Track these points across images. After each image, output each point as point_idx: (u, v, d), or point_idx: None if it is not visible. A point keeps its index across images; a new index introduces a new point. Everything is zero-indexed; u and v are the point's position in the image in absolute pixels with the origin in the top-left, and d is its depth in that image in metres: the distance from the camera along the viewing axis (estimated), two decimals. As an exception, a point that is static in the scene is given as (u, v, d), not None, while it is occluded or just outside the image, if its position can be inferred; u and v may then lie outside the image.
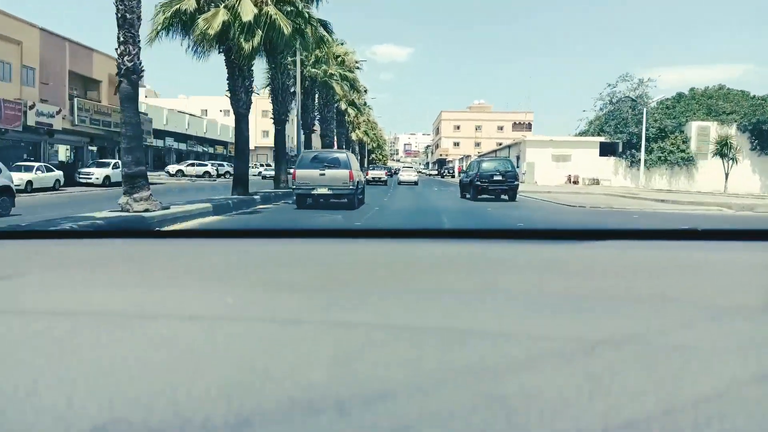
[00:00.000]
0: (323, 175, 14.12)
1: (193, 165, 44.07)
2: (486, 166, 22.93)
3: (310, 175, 14.32)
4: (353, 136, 59.54)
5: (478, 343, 0.63)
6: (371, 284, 0.93)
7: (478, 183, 21.79)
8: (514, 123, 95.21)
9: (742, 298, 0.83)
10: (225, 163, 48.11)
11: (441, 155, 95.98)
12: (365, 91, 57.96)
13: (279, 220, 12.56)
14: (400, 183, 38.43)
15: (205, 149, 56.83)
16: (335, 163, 14.49)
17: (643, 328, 0.68)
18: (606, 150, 46.34)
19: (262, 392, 0.54)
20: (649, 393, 0.53)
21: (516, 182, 22.35)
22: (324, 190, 14.16)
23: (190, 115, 55.00)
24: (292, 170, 14.98)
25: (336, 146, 39.71)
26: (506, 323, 0.71)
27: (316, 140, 38.63)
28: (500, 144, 76.56)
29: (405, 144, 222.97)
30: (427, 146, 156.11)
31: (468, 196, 22.39)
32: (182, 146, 55.31)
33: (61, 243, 1.42)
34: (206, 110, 72.24)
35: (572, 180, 45.25)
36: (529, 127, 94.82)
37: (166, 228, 6.49)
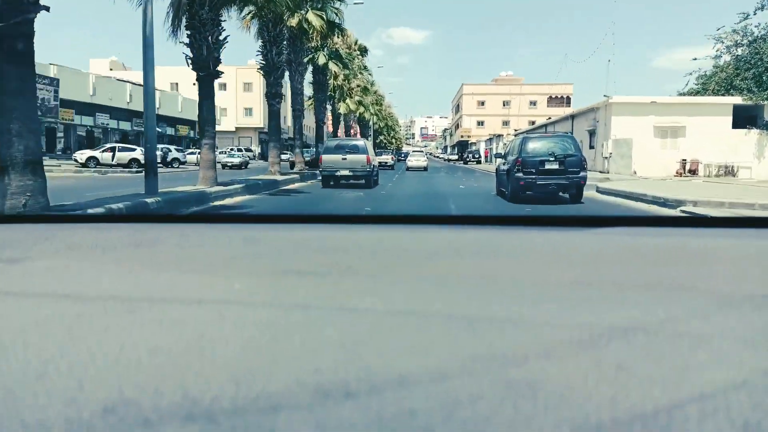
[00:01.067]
0: (345, 159, 17.55)
1: (113, 150, 33.62)
2: (533, 146, 14.24)
3: (334, 159, 17.82)
4: (341, 107, 43.19)
5: (485, 330, 0.64)
6: (379, 270, 0.94)
7: (520, 174, 13.62)
8: (550, 97, 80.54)
9: (754, 287, 0.83)
10: (174, 148, 39.12)
11: (462, 136, 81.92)
12: (361, 50, 42.90)
13: (313, 196, 15.65)
14: (408, 169, 35.43)
15: (163, 130, 45.31)
16: (355, 150, 17.99)
17: (654, 317, 0.68)
18: (743, 117, 28.93)
19: (269, 376, 0.54)
20: (660, 382, 0.53)
21: (581, 173, 13.83)
22: (346, 172, 17.63)
23: (133, 84, 40.47)
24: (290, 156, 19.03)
25: (316, 120, 34.14)
26: (514, 310, 0.71)
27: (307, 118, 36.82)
28: (533, 123, 61.37)
29: (421, 128, 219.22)
30: (445, 129, 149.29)
31: (506, 193, 14.63)
32: (125, 125, 41.37)
33: (71, 227, 1.47)
34: (177, 83, 59.56)
35: (688, 168, 28.41)
36: (567, 101, 79.71)
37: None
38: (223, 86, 63.16)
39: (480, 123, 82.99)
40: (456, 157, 79.83)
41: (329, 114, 43.03)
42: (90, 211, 9.02)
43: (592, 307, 0.72)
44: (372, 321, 0.67)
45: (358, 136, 59.44)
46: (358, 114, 56.54)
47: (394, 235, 1.26)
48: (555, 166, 13.56)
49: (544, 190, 13.61)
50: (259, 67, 24.11)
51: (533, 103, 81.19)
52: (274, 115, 23.83)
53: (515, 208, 13.09)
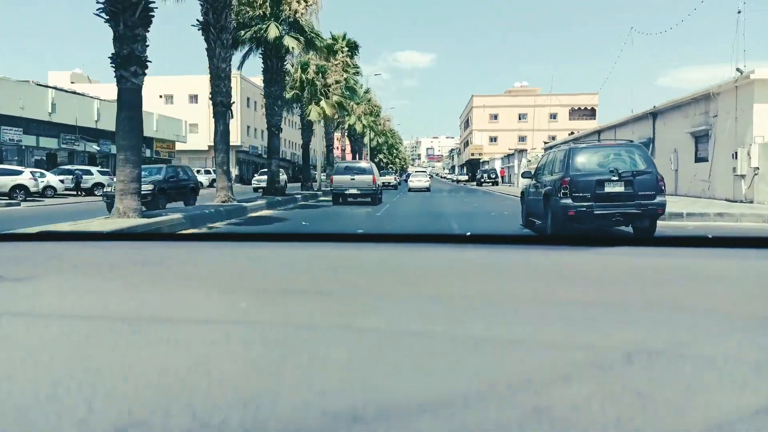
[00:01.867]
0: (353, 179, 20.24)
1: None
2: (586, 160, 9.86)
3: (343, 179, 20.46)
4: (311, 112, 31.87)
5: (490, 352, 0.64)
6: (383, 289, 0.96)
7: (567, 201, 9.39)
8: (572, 109, 70.80)
9: (756, 307, 0.83)
10: (96, 170, 30.95)
11: (473, 154, 72.73)
12: (350, 46, 32.89)
13: (324, 211, 16.89)
14: (410, 190, 34.21)
15: (107, 148, 37.48)
16: (362, 171, 20.75)
17: (658, 338, 0.68)
18: None
19: (277, 398, 0.54)
20: (666, 405, 0.52)
21: (658, 197, 9.51)
22: (354, 191, 20.26)
23: (56, 89, 30.98)
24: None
25: (268, 127, 25.63)
26: (518, 331, 0.72)
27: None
28: (552, 137, 51.33)
29: (427, 148, 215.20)
30: (451, 150, 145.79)
31: (541, 226, 10.73)
32: (52, 143, 34.09)
33: (77, 245, 1.48)
34: (171, 96, 54.51)
35: None
36: (592, 113, 69.72)
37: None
38: (194, 98, 53.70)
39: (493, 139, 74.25)
40: (466, 177, 70.40)
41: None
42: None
43: (596, 327, 0.73)
44: (377, 342, 0.68)
45: (346, 152, 50.13)
46: (341, 123, 45.39)
47: (397, 253, 1.29)
48: (619, 188, 9.28)
49: (605, 221, 9.28)
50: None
51: (553, 116, 72.20)
52: (219, 119, 18.37)
53: None
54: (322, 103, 30.00)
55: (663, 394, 0.53)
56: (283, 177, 28.90)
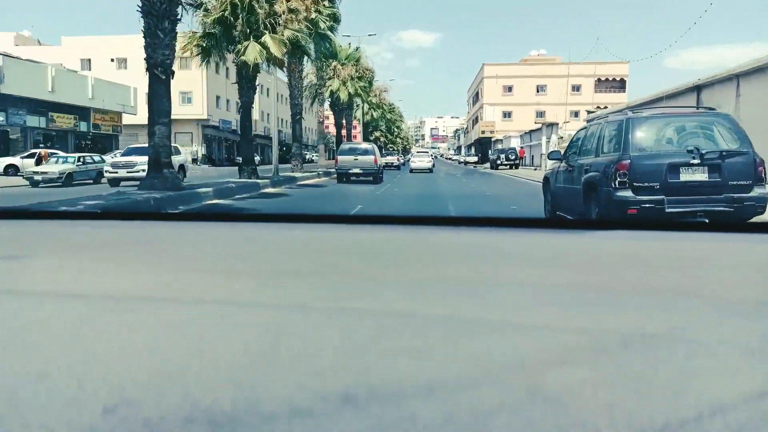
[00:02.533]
0: (356, 159, 21.80)
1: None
2: (650, 136, 6.98)
3: (347, 159, 22.02)
4: (249, 52, 18.71)
5: (484, 334, 0.65)
6: (379, 272, 0.96)
7: (626, 194, 6.68)
8: (599, 80, 61.03)
9: (753, 292, 0.84)
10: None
11: (483, 132, 62.75)
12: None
13: (330, 189, 17.35)
14: (412, 171, 32.68)
15: (21, 119, 31.23)
16: (365, 152, 22.28)
17: (653, 322, 0.68)
18: None
19: (270, 378, 0.55)
20: (660, 389, 0.53)
21: (757, 187, 6.66)
22: (357, 170, 21.73)
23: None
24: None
25: (239, 92, 20.75)
26: (513, 314, 0.73)
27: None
28: (575, 114, 42.46)
29: (432, 128, 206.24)
30: (456, 131, 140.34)
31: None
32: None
33: (70, 224, 1.48)
34: (125, 60, 46.36)
35: None
36: (621, 85, 60.24)
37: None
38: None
39: (506, 114, 65.85)
40: (475, 158, 61.29)
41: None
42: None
43: (591, 311, 0.73)
44: (372, 323, 0.68)
45: (326, 123, 41.21)
46: (320, 90, 34.50)
47: (393, 236, 1.28)
48: (701, 176, 6.70)
49: (686, 215, 6.74)
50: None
51: (576, 88, 63.53)
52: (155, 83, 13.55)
53: None
54: (266, 38, 18.77)
55: (657, 379, 0.54)
56: (180, 157, 20.91)
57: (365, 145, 23.62)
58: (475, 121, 75.30)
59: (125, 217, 1.59)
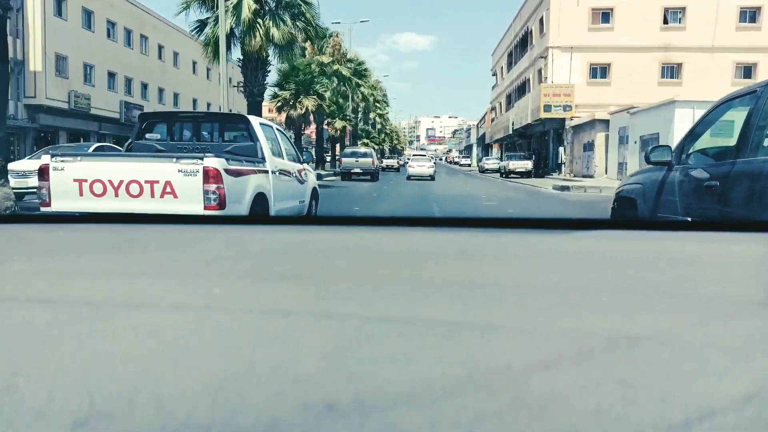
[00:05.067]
0: (357, 161, 25.30)
1: None
2: None
3: (350, 161, 25.55)
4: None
5: (468, 338, 0.64)
6: (363, 275, 0.95)
7: None
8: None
9: (739, 292, 0.84)
10: None
11: (548, 106, 27.52)
12: None
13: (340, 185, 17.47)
14: (409, 177, 27.77)
15: None
16: (364, 155, 25.94)
17: (639, 323, 0.68)
18: None
19: (248, 387, 0.53)
20: (646, 391, 0.52)
21: None
22: (358, 170, 25.04)
23: None
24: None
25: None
26: (498, 316, 0.72)
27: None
28: (745, 72, 10.46)
29: (428, 129, 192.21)
30: (455, 131, 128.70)
31: None
32: None
33: (47, 228, 1.45)
34: None
35: None
36: None
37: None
38: None
39: (598, 71, 30.92)
40: (523, 165, 31.97)
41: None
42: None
43: (576, 313, 0.72)
44: (354, 328, 0.67)
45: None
46: None
47: (380, 238, 1.27)
48: None
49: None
50: None
51: (751, 15, 28.67)
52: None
53: None
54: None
55: (644, 382, 0.53)
56: None
57: (364, 150, 27.94)
58: (521, 91, 39.74)
59: (102, 221, 1.59)
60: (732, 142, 3.37)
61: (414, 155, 39.33)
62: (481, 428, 0.47)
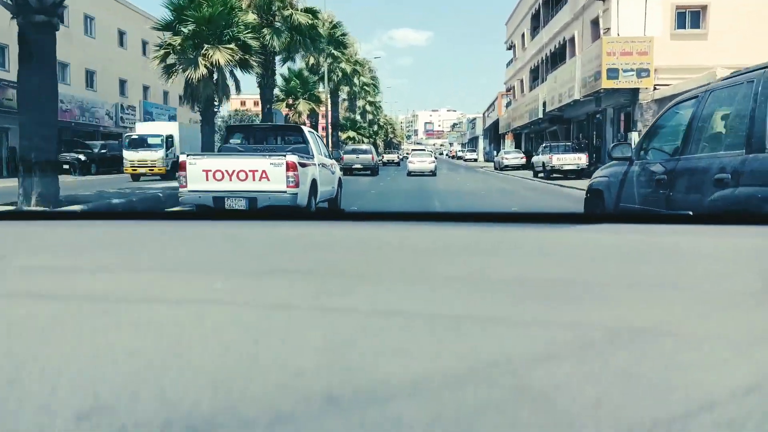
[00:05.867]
0: (358, 157, 27.23)
1: None
2: None
3: (351, 157, 27.28)
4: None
5: (470, 331, 0.64)
6: (364, 269, 0.95)
7: None
8: None
9: (740, 285, 0.84)
10: None
11: (615, 72, 16.79)
12: None
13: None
14: (410, 173, 26.88)
15: None
16: (364, 152, 28.13)
17: (640, 316, 0.68)
18: None
19: (249, 380, 0.54)
20: (647, 383, 0.53)
21: None
22: (359, 165, 26.76)
23: None
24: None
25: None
26: (499, 309, 0.72)
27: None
28: None
29: (426, 123, 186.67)
30: (454, 124, 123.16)
31: None
32: None
33: (46, 225, 1.46)
34: None
35: None
36: None
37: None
38: None
39: (687, 19, 20.24)
40: (573, 163, 20.99)
41: None
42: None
43: (577, 306, 0.72)
44: (355, 322, 0.67)
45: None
46: None
47: (380, 232, 1.27)
48: None
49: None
50: None
51: None
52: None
53: None
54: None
55: (645, 374, 0.54)
56: None
57: (365, 147, 30.30)
58: (539, 74, 31.64)
59: (104, 217, 1.54)
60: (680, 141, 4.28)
61: (413, 150, 40.73)
62: (482, 421, 0.47)
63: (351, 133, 46.62)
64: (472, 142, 76.62)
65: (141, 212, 1.99)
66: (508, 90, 46.18)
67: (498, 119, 48.64)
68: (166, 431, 0.47)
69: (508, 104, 45.53)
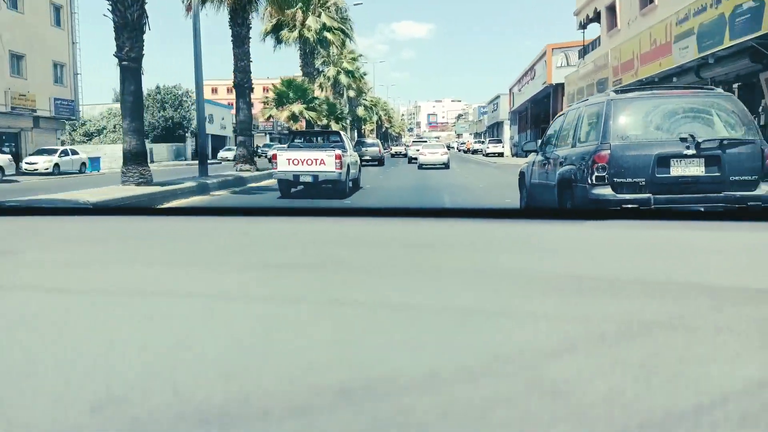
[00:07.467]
0: (366, 150, 29.90)
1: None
2: (635, 121, 5.80)
3: (361, 150, 28.23)
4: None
5: (479, 324, 0.65)
6: (372, 263, 0.96)
7: (604, 192, 5.57)
8: None
9: (750, 280, 0.83)
10: None
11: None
12: None
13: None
14: (421, 167, 25.78)
15: None
16: (372, 145, 31.73)
17: (650, 310, 0.68)
18: None
19: (261, 373, 0.54)
20: (659, 377, 0.52)
21: (763, 185, 5.24)
22: (367, 157, 28.48)
23: None
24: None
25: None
26: (508, 303, 0.72)
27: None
28: None
29: (429, 114, 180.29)
30: (459, 115, 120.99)
31: None
32: None
33: (58, 220, 1.48)
34: None
35: None
36: None
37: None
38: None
39: None
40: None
41: None
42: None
43: (588, 300, 0.72)
44: (365, 315, 0.68)
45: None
46: None
47: (387, 228, 1.29)
48: (697, 170, 5.55)
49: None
50: None
51: None
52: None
53: None
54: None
55: (656, 367, 0.53)
56: None
57: (372, 140, 34.08)
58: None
59: (114, 212, 1.61)
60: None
61: (413, 141, 44.05)
62: (493, 414, 0.47)
63: (331, 125, 31.09)
64: (493, 130, 58.97)
65: (151, 208, 2.10)
66: (584, 24, 26.85)
67: (549, 87, 31.37)
68: (178, 423, 0.46)
69: (571, 64, 27.96)
